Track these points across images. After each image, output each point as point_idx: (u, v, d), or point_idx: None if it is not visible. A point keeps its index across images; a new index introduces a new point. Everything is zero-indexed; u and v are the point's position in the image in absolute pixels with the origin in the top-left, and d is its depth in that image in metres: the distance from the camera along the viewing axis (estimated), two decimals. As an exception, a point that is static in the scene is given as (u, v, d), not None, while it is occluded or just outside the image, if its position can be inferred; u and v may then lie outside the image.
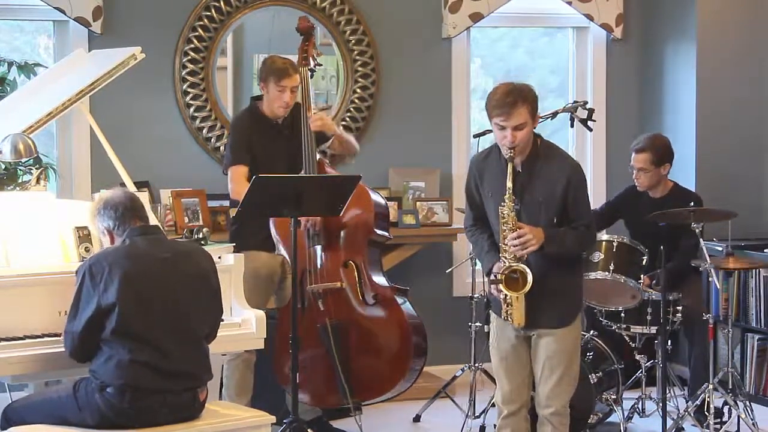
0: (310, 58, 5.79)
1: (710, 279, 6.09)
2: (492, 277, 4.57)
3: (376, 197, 5.79)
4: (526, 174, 4.53)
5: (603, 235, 6.01)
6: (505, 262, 4.52)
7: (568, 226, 4.57)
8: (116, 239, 4.36)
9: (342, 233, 5.74)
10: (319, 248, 5.68)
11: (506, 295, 4.54)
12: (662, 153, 6.18)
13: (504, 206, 4.50)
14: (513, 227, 4.48)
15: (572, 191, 4.56)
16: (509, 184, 4.47)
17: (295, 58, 5.77)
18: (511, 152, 4.46)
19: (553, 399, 4.61)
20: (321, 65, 5.99)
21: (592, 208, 4.80)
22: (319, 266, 5.67)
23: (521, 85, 4.52)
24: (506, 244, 4.51)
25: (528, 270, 4.47)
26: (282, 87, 5.65)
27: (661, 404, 5.56)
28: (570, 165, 4.64)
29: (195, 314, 4.37)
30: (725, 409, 5.83)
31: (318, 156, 5.77)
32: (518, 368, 4.67)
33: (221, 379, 5.66)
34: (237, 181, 5.61)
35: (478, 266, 4.72)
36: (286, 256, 5.65)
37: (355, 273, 5.72)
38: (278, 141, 5.74)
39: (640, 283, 5.78)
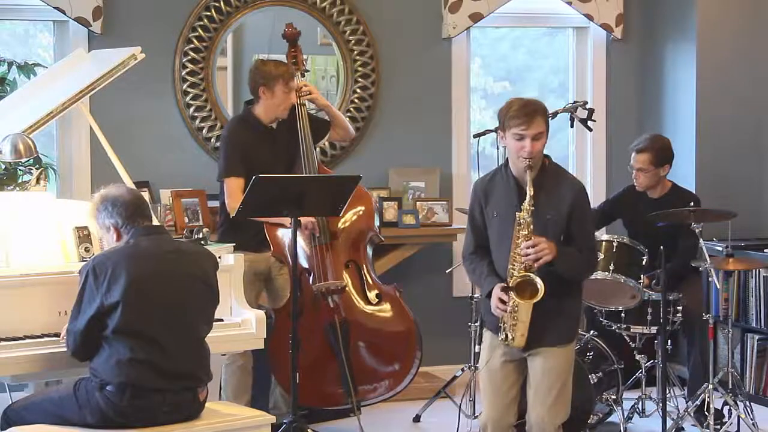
0: (301, 64, 5.86)
1: (710, 279, 6.09)
2: (502, 286, 4.45)
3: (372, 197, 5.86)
4: (534, 191, 4.48)
5: (603, 235, 6.01)
6: (513, 274, 4.44)
7: (573, 247, 4.53)
8: (123, 236, 4.37)
9: (344, 233, 5.76)
10: (321, 248, 5.70)
11: (512, 308, 4.42)
12: (662, 154, 6.18)
13: (522, 211, 4.43)
14: (528, 235, 4.42)
15: (577, 212, 4.53)
16: (530, 191, 4.41)
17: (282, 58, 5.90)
18: (528, 161, 4.43)
19: (548, 423, 4.52)
20: (308, 71, 6.08)
21: (591, 206, 4.78)
22: (321, 266, 5.69)
23: (534, 99, 4.57)
24: (518, 253, 4.43)
25: (539, 280, 4.39)
26: (290, 88, 5.73)
27: (661, 404, 5.56)
28: (576, 185, 4.61)
29: (196, 315, 4.38)
30: (725, 409, 5.83)
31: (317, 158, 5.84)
32: (506, 388, 4.60)
33: (221, 379, 5.67)
34: (233, 196, 5.62)
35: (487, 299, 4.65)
36: (282, 259, 5.68)
37: (357, 272, 5.76)
38: (274, 147, 5.76)
39: (640, 283, 5.78)
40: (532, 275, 4.42)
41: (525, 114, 4.44)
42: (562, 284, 4.53)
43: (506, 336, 4.49)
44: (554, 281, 4.47)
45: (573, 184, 4.61)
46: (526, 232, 4.43)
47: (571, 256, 4.50)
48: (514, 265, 4.46)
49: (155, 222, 4.59)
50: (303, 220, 5.52)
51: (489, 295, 4.53)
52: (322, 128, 5.97)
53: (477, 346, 6.09)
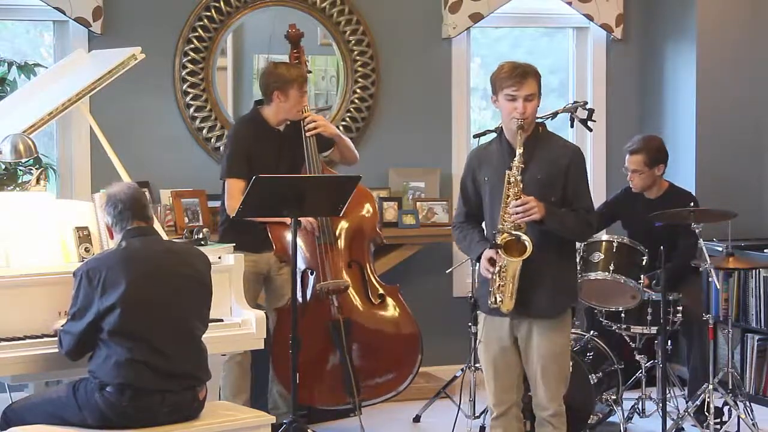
0: (304, 65, 5.86)
1: (710, 279, 6.09)
2: (490, 244, 4.50)
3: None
4: (526, 153, 4.52)
5: (603, 235, 6.01)
6: (503, 232, 4.47)
7: (569, 208, 4.57)
8: (114, 236, 4.38)
9: (347, 233, 5.77)
10: (324, 248, 5.70)
11: (500, 269, 4.46)
12: (656, 154, 6.18)
13: (512, 169, 4.47)
14: (518, 194, 4.47)
15: (573, 173, 4.58)
16: (519, 149, 4.46)
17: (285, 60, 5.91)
18: (520, 121, 4.48)
19: (551, 401, 4.61)
20: (311, 72, 6.09)
21: (587, 170, 4.77)
22: (324, 265, 5.69)
23: (526, 63, 4.65)
24: (507, 212, 4.47)
25: (528, 238, 4.43)
26: (304, 92, 5.74)
27: (661, 404, 5.56)
28: (571, 148, 4.68)
29: (192, 314, 4.38)
30: (725, 410, 5.83)
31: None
32: (508, 371, 4.65)
33: (220, 379, 5.67)
34: (233, 197, 5.61)
35: (479, 267, 4.67)
36: (285, 258, 5.68)
37: (359, 272, 5.77)
38: (279, 150, 5.75)
39: (640, 283, 5.78)
40: (520, 233, 4.45)
41: (516, 75, 4.53)
42: (556, 252, 4.56)
43: (495, 299, 4.51)
44: (548, 249, 4.51)
45: (567, 147, 4.68)
46: (516, 191, 4.48)
47: (561, 215, 4.53)
48: (503, 224, 4.49)
49: (156, 222, 4.59)
50: (303, 220, 5.52)
51: (479, 259, 4.57)
52: (325, 142, 5.94)
53: (477, 347, 6.10)
